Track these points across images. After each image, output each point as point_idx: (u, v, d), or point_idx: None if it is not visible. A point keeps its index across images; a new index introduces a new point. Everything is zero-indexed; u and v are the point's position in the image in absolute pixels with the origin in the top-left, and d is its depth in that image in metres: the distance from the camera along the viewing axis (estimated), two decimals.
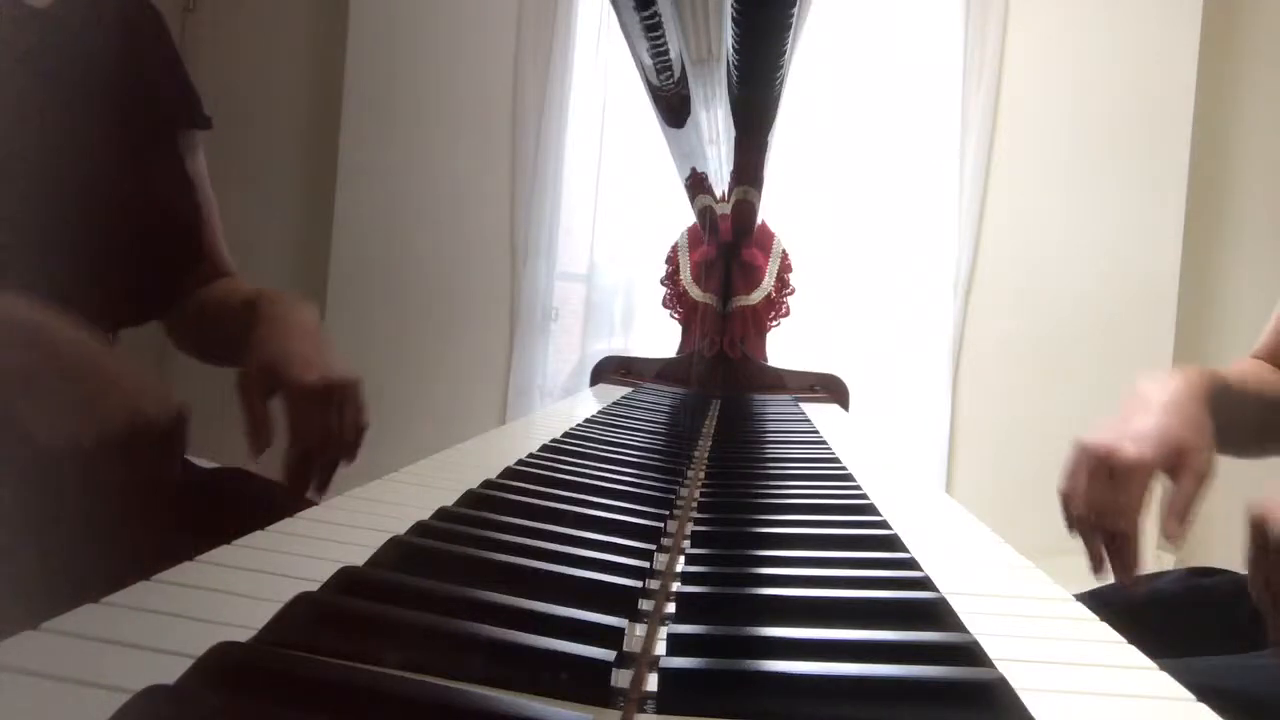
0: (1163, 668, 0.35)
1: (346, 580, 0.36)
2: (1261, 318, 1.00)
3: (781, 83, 0.63)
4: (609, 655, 0.31)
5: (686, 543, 0.51)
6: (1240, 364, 0.99)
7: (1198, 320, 2.73)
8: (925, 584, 0.43)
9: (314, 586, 0.36)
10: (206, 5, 2.97)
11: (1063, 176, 2.82)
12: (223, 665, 0.27)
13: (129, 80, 0.83)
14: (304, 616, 0.32)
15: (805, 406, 1.38)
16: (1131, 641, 0.39)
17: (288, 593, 0.33)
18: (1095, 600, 0.68)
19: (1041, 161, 2.82)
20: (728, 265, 1.56)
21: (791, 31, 0.52)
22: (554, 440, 0.82)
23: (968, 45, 2.79)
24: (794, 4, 0.49)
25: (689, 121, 0.75)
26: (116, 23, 0.84)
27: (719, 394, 1.47)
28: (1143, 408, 0.66)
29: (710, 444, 0.94)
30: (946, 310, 2.81)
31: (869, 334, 2.83)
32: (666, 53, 0.58)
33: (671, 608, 0.39)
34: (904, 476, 0.82)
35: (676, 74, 0.62)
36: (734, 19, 0.50)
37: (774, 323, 1.59)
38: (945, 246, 2.82)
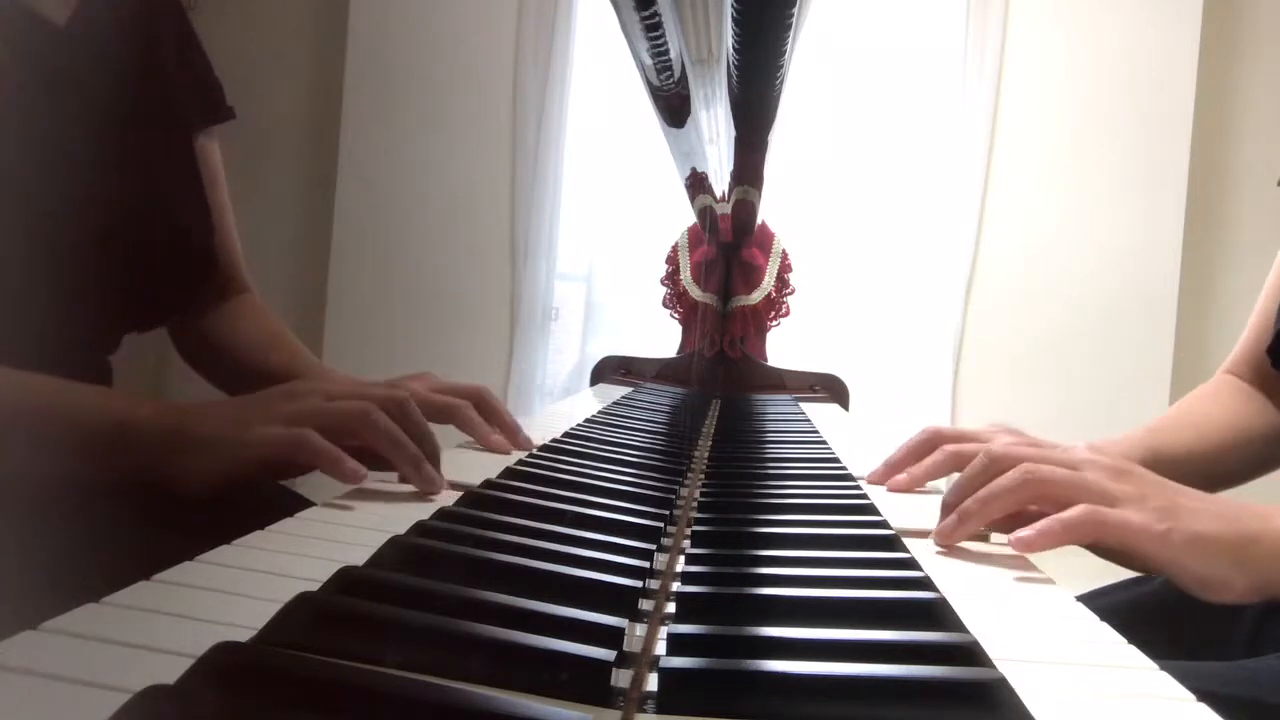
0: (1163, 669, 0.35)
1: (346, 580, 0.36)
2: None
3: (781, 82, 0.63)
4: (609, 655, 0.31)
5: (686, 543, 0.51)
6: (1186, 405, 0.96)
7: (1197, 319, 2.74)
8: (925, 584, 0.43)
9: (314, 586, 0.36)
10: (206, 4, 2.97)
11: (1063, 176, 2.82)
12: (223, 665, 0.27)
13: (148, 86, 0.83)
14: (304, 616, 0.32)
15: (805, 406, 1.38)
16: (1130, 642, 0.39)
17: (288, 593, 0.33)
18: (1096, 600, 0.68)
19: (1041, 161, 2.82)
20: (728, 265, 1.56)
21: (791, 31, 0.52)
22: (554, 440, 0.82)
23: (968, 44, 2.79)
24: (794, 4, 0.49)
25: (689, 121, 0.75)
26: (135, 19, 0.82)
27: (719, 394, 1.47)
28: None
29: (710, 444, 0.94)
30: (947, 310, 2.81)
31: (869, 334, 2.83)
32: (666, 53, 0.58)
33: (671, 608, 0.39)
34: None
35: (676, 74, 0.62)
36: (734, 19, 0.50)
37: (774, 323, 1.59)
38: (945, 246, 2.82)
